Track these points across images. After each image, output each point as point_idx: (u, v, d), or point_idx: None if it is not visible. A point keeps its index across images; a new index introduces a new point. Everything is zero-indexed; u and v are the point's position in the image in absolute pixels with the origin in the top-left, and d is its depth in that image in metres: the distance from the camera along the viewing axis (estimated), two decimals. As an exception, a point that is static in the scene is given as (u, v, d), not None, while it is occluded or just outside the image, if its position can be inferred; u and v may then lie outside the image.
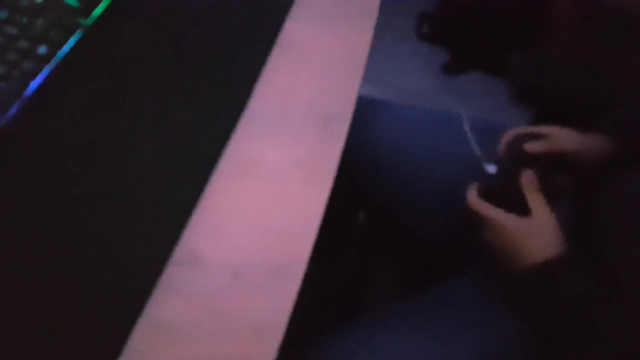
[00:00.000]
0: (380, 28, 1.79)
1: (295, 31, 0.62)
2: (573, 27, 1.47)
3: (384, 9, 1.85)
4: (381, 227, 0.78)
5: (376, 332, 0.61)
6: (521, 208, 0.62)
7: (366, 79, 1.77)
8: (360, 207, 0.78)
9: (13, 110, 0.48)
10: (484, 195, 0.64)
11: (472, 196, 0.63)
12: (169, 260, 0.43)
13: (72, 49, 0.54)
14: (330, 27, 0.64)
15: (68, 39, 0.54)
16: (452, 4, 1.72)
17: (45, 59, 0.52)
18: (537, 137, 0.68)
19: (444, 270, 0.71)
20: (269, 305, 0.43)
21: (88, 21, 0.56)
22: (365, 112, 0.76)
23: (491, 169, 0.68)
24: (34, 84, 0.50)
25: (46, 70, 0.51)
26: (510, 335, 0.60)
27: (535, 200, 0.62)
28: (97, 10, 0.57)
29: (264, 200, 0.49)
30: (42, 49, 0.52)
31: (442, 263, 0.73)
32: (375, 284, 0.77)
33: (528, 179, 0.63)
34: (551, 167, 0.68)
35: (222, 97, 0.54)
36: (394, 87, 1.58)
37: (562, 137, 0.68)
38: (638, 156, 0.66)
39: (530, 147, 0.67)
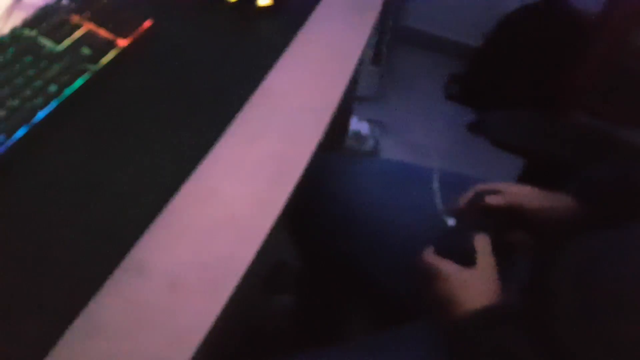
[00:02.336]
0: (409, 86, 1.87)
1: (277, 80, 0.71)
2: (597, 91, 1.49)
3: (414, 68, 1.94)
4: (349, 271, 0.82)
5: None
6: (471, 261, 0.65)
7: (389, 133, 1.83)
8: (329, 252, 0.83)
9: (20, 134, 0.59)
10: (439, 248, 0.67)
11: (427, 249, 0.66)
12: (116, 267, 0.51)
13: (77, 89, 0.64)
14: (308, 80, 0.72)
15: (75, 81, 0.64)
16: (481, 68, 1.78)
17: (54, 96, 0.62)
18: (498, 193, 0.72)
19: (405, 315, 0.74)
20: (194, 314, 0.49)
21: (96, 67, 0.67)
22: (340, 163, 0.82)
23: (451, 222, 0.71)
24: (41, 114, 0.61)
25: (53, 104, 0.62)
26: None
27: (482, 252, 0.65)
28: (105, 59, 0.68)
29: (213, 225, 0.56)
30: (52, 88, 0.63)
31: (403, 308, 0.76)
32: (345, 322, 0.81)
33: (481, 236, 0.66)
34: (509, 222, 0.70)
35: (195, 134, 0.63)
36: (414, 143, 1.63)
37: (522, 195, 0.71)
38: (599, 220, 0.68)
39: (489, 199, 0.70)
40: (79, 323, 0.47)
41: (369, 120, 1.57)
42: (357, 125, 1.50)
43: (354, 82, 1.24)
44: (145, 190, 0.57)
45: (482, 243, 0.65)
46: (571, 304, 0.59)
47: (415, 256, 0.67)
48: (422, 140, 1.63)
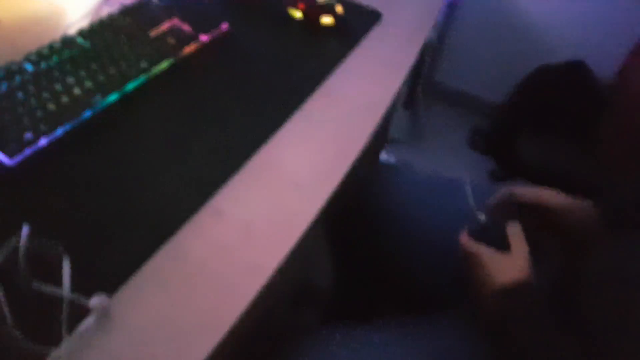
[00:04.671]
0: (435, 135, 1.96)
1: (336, 84, 0.78)
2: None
3: (441, 119, 2.04)
4: (384, 268, 0.86)
5: (356, 335, 0.69)
6: (502, 247, 0.70)
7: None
8: (366, 249, 0.88)
9: (112, 98, 0.66)
10: (473, 236, 0.73)
11: (463, 235, 0.72)
12: (201, 207, 0.56)
13: (163, 70, 0.72)
14: (362, 85, 0.80)
15: (162, 61, 0.72)
16: (502, 125, 1.87)
17: (143, 71, 0.70)
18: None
19: (438, 308, 0.77)
20: (265, 252, 0.54)
21: (180, 54, 0.75)
22: (386, 174, 0.89)
23: (482, 217, 0.77)
24: (131, 85, 0.68)
25: (142, 78, 0.70)
26: None
27: (514, 238, 0.70)
28: (187, 49, 0.76)
29: (281, 187, 0.62)
30: (143, 64, 0.71)
31: (437, 300, 0.79)
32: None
33: (513, 225, 0.72)
34: (537, 223, 0.76)
35: (266, 116, 0.70)
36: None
37: (548, 194, 0.76)
38: (620, 228, 0.73)
39: (520, 190, 0.75)
40: (167, 249, 0.52)
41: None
42: (386, 157, 1.58)
43: (387, 118, 1.32)
44: (226, 153, 0.63)
45: (514, 230, 0.70)
46: (600, 294, 0.63)
47: (451, 249, 0.72)
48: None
